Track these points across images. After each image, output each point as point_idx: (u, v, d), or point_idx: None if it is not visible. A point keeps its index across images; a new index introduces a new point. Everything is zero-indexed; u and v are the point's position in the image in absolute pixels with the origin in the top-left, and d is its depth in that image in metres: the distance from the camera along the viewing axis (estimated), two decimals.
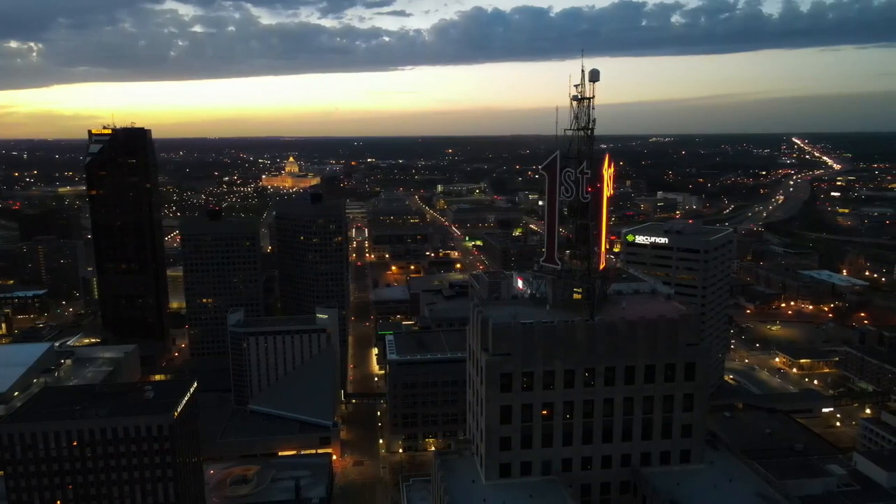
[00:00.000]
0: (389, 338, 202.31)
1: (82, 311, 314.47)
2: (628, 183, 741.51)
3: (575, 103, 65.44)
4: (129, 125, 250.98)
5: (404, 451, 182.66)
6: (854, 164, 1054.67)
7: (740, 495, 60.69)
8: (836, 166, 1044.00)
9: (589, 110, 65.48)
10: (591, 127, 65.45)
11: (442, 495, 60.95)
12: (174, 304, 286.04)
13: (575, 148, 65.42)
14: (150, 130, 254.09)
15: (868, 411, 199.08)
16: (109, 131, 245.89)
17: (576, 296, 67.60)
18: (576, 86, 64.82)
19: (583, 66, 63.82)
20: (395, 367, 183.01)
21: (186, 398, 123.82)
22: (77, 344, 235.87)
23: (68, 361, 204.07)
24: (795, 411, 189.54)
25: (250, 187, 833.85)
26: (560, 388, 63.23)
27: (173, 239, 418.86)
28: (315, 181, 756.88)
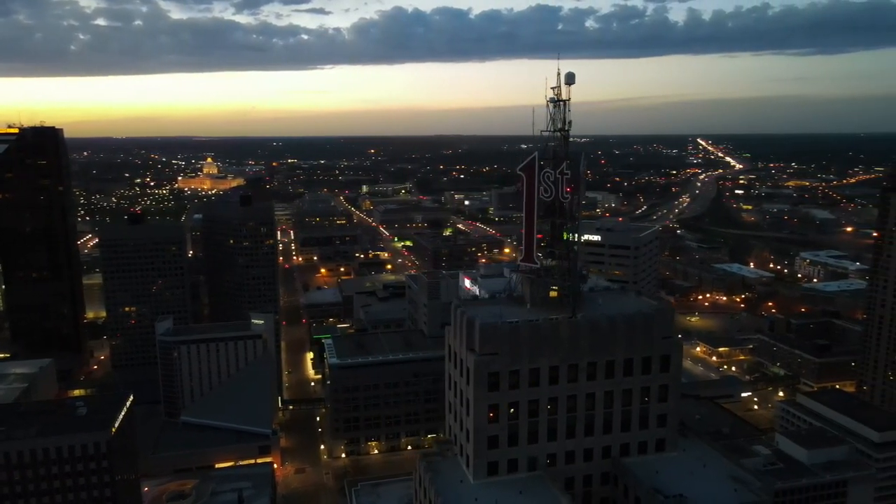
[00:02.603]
0: (328, 341, 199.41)
1: None
2: None
3: (551, 105, 66.99)
4: (37, 124, 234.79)
5: (347, 455, 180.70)
6: (753, 163, 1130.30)
7: (715, 479, 64.07)
8: (738, 166, 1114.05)
9: (564, 113, 67.14)
10: (566, 129, 67.16)
11: (434, 498, 60.93)
12: (89, 314, 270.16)
13: (551, 149, 66.98)
14: (61, 130, 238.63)
15: (781, 394, 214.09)
16: (16, 130, 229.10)
17: (552, 294, 69.26)
18: (552, 88, 66.46)
19: (559, 70, 65.35)
20: (335, 370, 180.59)
21: (123, 412, 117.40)
22: None
23: None
24: (718, 397, 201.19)
25: (165, 189, 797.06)
26: (545, 385, 64.57)
27: (83, 244, 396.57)
28: (236, 183, 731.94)
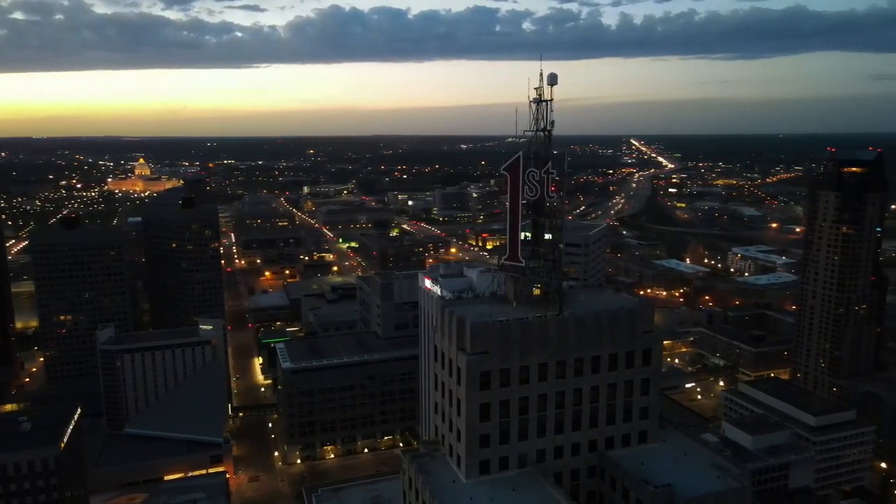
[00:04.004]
0: (280, 346, 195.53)
1: None
2: (493, 182, 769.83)
3: (534, 105, 68.11)
4: None
5: (302, 461, 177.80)
6: (683, 163, 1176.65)
7: (698, 467, 66.74)
8: (670, 165, 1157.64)
9: (547, 112, 68.37)
10: (549, 129, 68.36)
11: (428, 499, 60.80)
12: (18, 324, 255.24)
13: (534, 149, 68.05)
14: None
15: (721, 384, 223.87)
16: None
17: (536, 292, 70.39)
18: (535, 88, 67.59)
19: (541, 70, 66.86)
20: (289, 375, 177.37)
21: (72, 426, 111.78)
22: None
23: None
24: (665, 388, 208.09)
25: (94, 192, 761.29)
26: (535, 382, 65.56)
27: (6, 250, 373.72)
28: (171, 184, 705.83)
